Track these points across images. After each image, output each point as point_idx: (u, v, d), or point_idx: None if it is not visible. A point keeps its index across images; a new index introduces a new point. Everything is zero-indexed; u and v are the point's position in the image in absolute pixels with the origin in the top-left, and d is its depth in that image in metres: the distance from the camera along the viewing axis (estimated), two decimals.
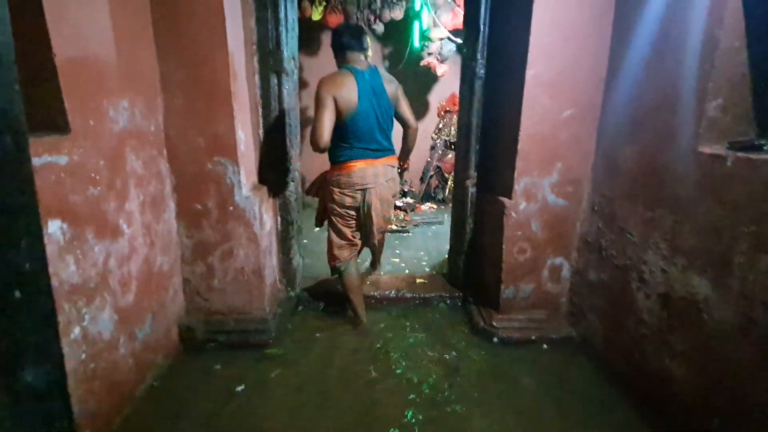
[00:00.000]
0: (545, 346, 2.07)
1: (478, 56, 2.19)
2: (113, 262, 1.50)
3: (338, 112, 1.93)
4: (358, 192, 2.08)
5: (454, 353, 2.04)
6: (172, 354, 1.94)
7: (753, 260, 1.18)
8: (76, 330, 1.33)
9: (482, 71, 2.21)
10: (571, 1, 1.79)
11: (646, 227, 1.62)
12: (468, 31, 2.29)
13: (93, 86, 1.39)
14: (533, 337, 2.10)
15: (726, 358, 1.29)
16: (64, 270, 1.26)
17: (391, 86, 2.12)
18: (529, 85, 1.88)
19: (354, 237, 2.20)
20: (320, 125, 1.87)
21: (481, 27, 2.14)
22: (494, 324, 2.15)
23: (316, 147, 1.89)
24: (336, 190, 2.09)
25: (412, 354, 2.03)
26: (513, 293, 2.15)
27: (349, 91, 1.95)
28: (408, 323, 2.31)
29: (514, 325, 2.14)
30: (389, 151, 2.15)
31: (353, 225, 2.18)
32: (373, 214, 2.12)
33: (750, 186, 1.20)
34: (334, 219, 2.18)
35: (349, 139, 2.02)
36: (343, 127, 1.98)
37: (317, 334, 2.19)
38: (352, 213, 2.14)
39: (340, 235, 2.19)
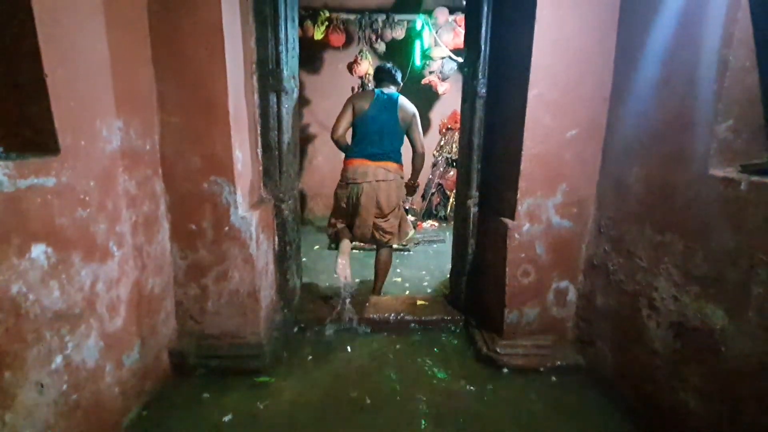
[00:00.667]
0: (553, 378, 1.97)
1: (479, 75, 2.17)
2: (101, 286, 1.45)
3: (353, 115, 2.52)
4: (350, 185, 2.53)
5: (456, 381, 1.95)
6: (162, 380, 1.86)
7: None
8: (58, 359, 1.26)
9: (483, 90, 2.18)
10: (574, 21, 1.77)
11: (656, 252, 1.56)
12: (469, 50, 2.28)
13: (85, 106, 1.36)
14: (539, 365, 2.01)
15: (745, 394, 1.21)
16: (47, 296, 1.20)
17: (406, 112, 2.57)
18: (531, 105, 1.85)
19: (344, 223, 2.66)
20: (338, 121, 2.55)
21: (482, 46, 2.13)
22: (498, 350, 2.07)
23: (332, 136, 2.57)
24: (340, 181, 2.60)
25: (412, 382, 1.94)
26: (517, 318, 2.07)
27: (364, 102, 2.52)
28: (408, 349, 2.23)
29: (518, 352, 2.06)
30: (387, 157, 2.54)
31: (344, 214, 2.63)
32: (361, 209, 2.53)
33: (766, 212, 1.14)
34: (336, 202, 2.65)
35: (355, 141, 2.56)
36: (354, 130, 2.56)
37: (311, 358, 2.11)
38: (343, 206, 2.59)
39: (336, 214, 2.69)
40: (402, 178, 2.65)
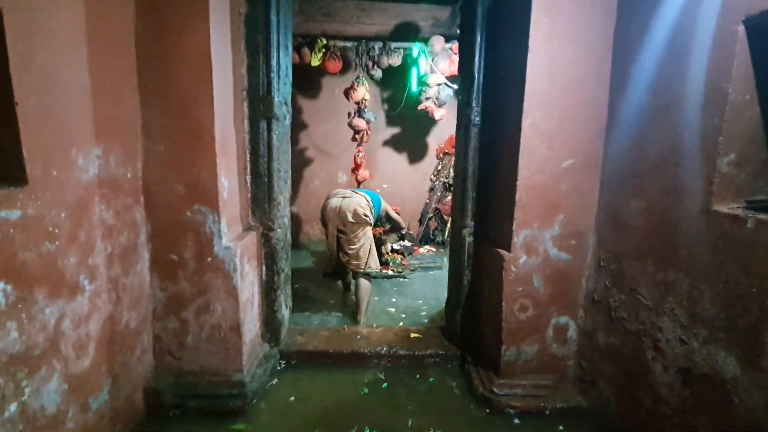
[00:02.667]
0: (558, 426, 1.85)
1: (473, 103, 2.14)
2: (68, 323, 1.35)
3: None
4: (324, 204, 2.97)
5: (450, 426, 1.82)
6: (134, 423, 1.74)
7: None
8: (12, 407, 1.16)
9: (477, 118, 2.15)
10: (567, 51, 1.74)
11: (659, 290, 1.47)
12: (463, 79, 2.26)
13: (60, 135, 1.31)
14: (539, 407, 1.89)
15: None
16: (2, 339, 1.11)
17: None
18: (525, 134, 1.80)
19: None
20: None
21: (476, 75, 2.11)
22: (495, 390, 1.95)
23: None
24: None
25: (402, 428, 1.81)
26: (515, 355, 1.96)
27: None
28: (400, 388, 2.11)
29: (517, 392, 1.94)
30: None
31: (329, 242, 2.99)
32: (328, 223, 2.87)
33: None
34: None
35: None
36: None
37: (293, 399, 1.98)
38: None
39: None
40: (369, 219, 2.86)
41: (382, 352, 2.32)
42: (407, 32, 3.99)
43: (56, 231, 1.29)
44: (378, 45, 4.11)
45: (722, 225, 1.23)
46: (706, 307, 1.28)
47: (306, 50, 3.99)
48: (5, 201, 1.12)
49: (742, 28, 1.18)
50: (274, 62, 2.08)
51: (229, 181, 1.92)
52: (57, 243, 1.30)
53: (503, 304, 1.92)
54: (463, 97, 2.25)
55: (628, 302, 1.64)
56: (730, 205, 1.24)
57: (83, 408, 1.44)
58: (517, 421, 1.86)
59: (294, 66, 2.48)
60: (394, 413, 1.90)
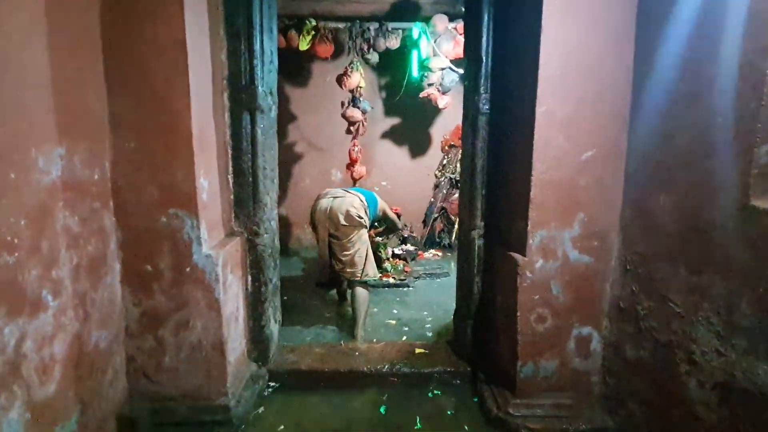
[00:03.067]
0: None
1: (481, 90, 2.14)
2: (30, 344, 1.35)
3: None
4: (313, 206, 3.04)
5: None
6: None
7: None
8: None
9: (486, 106, 2.15)
10: (585, 31, 1.74)
11: (693, 295, 1.47)
12: (469, 62, 2.27)
13: (16, 134, 1.31)
14: (561, 429, 1.89)
15: None
16: None
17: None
18: (540, 123, 1.80)
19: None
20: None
21: (483, 58, 2.11)
22: (511, 411, 1.94)
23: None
24: None
25: None
26: (532, 371, 1.96)
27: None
28: (404, 411, 2.10)
29: (536, 413, 1.94)
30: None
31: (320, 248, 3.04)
32: (318, 225, 2.91)
33: None
34: None
35: None
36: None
37: (282, 429, 1.97)
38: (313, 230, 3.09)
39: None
40: (364, 221, 2.86)
41: (384, 370, 2.32)
42: (406, 11, 4.00)
43: (15, 241, 1.29)
44: (374, 26, 4.12)
45: (761, 222, 1.22)
46: (745, 314, 1.27)
47: (293, 33, 4.00)
48: None
49: None
50: (257, 47, 2.08)
51: (209, 182, 1.92)
52: (16, 254, 1.29)
53: (518, 314, 1.91)
54: (470, 83, 2.25)
55: (658, 310, 1.63)
56: None
57: None
58: None
59: (280, 51, 2.48)
60: None
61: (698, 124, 1.45)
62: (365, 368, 2.33)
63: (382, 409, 2.11)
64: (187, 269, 1.83)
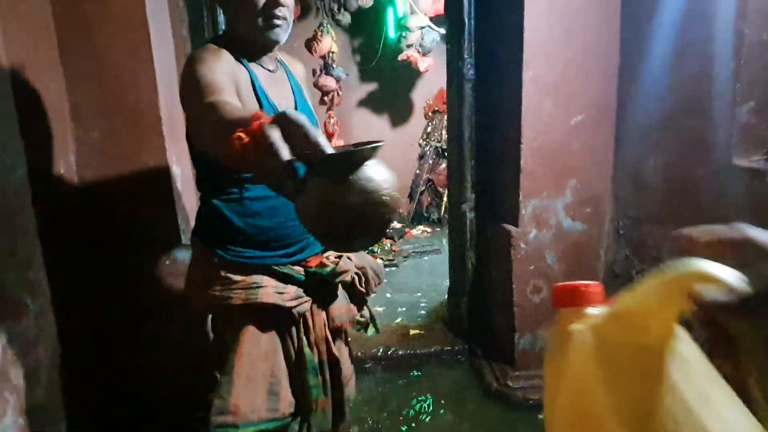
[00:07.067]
0: None
1: (465, 54, 2.25)
2: (15, 349, 1.45)
3: None
4: None
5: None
6: None
7: None
8: None
9: (471, 72, 2.27)
10: None
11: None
12: (451, 25, 2.36)
13: None
14: None
15: None
16: None
17: None
18: (527, 89, 1.94)
19: None
20: None
21: (466, 20, 2.21)
22: (510, 384, 2.15)
23: None
24: None
25: None
26: (530, 343, 2.16)
27: None
28: (402, 392, 2.29)
29: (535, 384, 2.14)
30: None
31: None
32: None
33: None
34: None
35: None
36: None
37: None
38: None
39: None
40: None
41: (378, 354, 2.50)
42: None
43: None
44: None
45: (743, 180, 1.40)
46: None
47: None
48: None
49: None
50: (220, 19, 2.14)
51: (182, 168, 2.01)
52: None
53: (513, 286, 2.09)
54: (453, 47, 2.35)
55: None
56: (751, 158, 1.41)
57: None
58: (540, 416, 2.07)
59: None
60: (398, 423, 2.09)
61: (684, 84, 1.61)
62: (359, 353, 2.49)
63: (378, 392, 2.29)
64: (167, 262, 1.93)
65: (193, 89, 1.08)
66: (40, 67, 1.67)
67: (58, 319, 1.68)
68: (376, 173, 0.64)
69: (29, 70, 1.59)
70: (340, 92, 4.69)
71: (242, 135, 0.63)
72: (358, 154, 0.63)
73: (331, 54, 4.40)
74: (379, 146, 0.64)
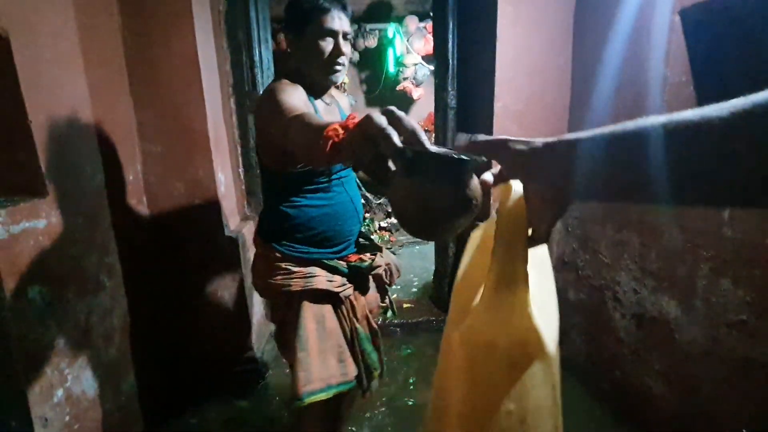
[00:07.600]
0: None
1: (449, 88, 2.27)
2: (95, 318, 1.49)
3: None
4: None
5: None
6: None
7: (714, 283, 1.25)
8: (59, 392, 1.31)
9: (454, 102, 2.29)
10: (531, 38, 1.89)
11: (616, 249, 1.69)
12: (438, 63, 2.38)
13: (68, 147, 1.40)
14: None
15: (698, 376, 1.35)
16: (45, 333, 1.25)
17: None
18: (498, 116, 1.96)
19: None
20: None
21: (450, 60, 2.23)
22: None
23: None
24: None
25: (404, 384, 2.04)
26: None
27: None
28: (397, 353, 2.33)
29: None
30: None
31: None
32: None
33: (705, 215, 1.27)
34: None
35: None
36: None
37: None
38: None
39: None
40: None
41: (378, 322, 2.52)
42: (381, 11, 4.03)
43: (76, 235, 1.40)
44: (353, 27, 4.14)
45: None
46: (653, 261, 1.50)
47: (281, 36, 3.99)
48: (31, 212, 1.23)
49: (678, 18, 1.34)
50: (256, 57, 2.16)
51: (225, 176, 2.04)
52: (78, 246, 1.41)
53: None
54: (440, 82, 2.37)
55: (592, 261, 1.86)
56: None
57: (115, 391, 1.60)
58: None
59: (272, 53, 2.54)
60: (397, 373, 2.13)
61: (621, 116, 1.63)
62: None
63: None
64: (214, 250, 1.96)
65: (277, 110, 1.03)
66: (114, 95, 1.70)
67: (128, 294, 1.72)
68: (476, 184, 0.56)
69: (104, 98, 1.62)
70: None
71: (338, 128, 0.58)
72: (472, 162, 0.53)
73: (343, 84, 4.41)
74: (483, 161, 0.55)
